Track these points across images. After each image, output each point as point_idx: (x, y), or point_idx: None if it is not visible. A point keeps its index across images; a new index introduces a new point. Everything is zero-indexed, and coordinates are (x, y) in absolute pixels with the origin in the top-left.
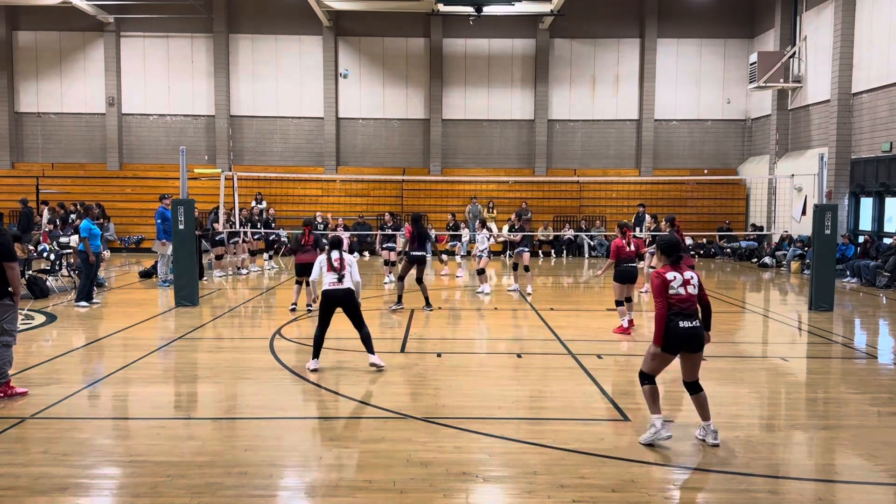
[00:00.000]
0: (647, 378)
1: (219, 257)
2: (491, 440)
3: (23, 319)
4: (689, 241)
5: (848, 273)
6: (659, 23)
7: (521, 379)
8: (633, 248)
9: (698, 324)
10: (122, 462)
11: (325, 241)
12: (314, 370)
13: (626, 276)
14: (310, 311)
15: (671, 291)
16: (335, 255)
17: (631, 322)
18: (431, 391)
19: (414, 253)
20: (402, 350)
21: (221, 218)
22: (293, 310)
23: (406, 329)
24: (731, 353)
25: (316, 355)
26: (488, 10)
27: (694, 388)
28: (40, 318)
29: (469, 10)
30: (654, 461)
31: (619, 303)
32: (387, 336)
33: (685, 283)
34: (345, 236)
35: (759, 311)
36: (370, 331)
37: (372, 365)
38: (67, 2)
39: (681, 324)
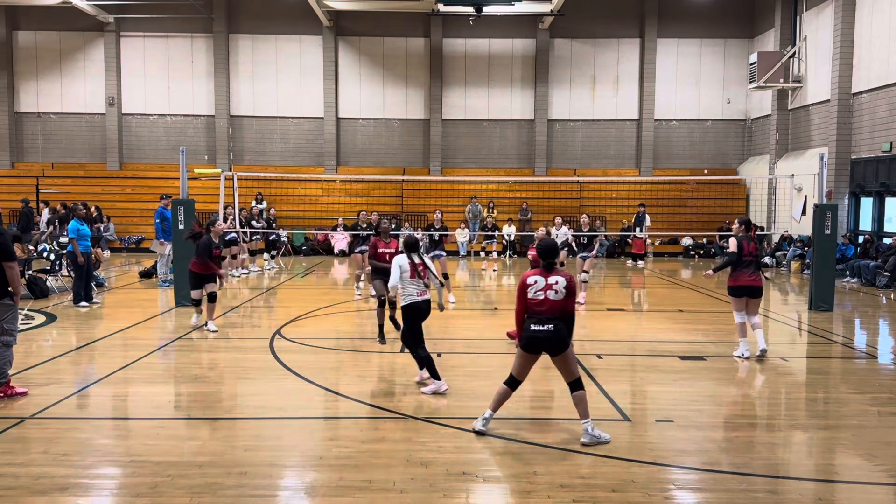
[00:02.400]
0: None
1: (234, 256)
2: (491, 440)
3: (23, 319)
4: (688, 242)
5: (848, 273)
6: (659, 23)
7: None
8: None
9: (552, 327)
10: (122, 462)
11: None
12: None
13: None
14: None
15: (530, 295)
16: (416, 259)
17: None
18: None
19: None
20: (403, 350)
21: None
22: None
23: None
24: (732, 352)
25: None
26: (488, 10)
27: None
28: (40, 318)
29: (469, 10)
30: (654, 461)
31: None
32: (387, 336)
33: (547, 287)
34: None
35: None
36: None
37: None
38: (67, 2)
39: (532, 327)
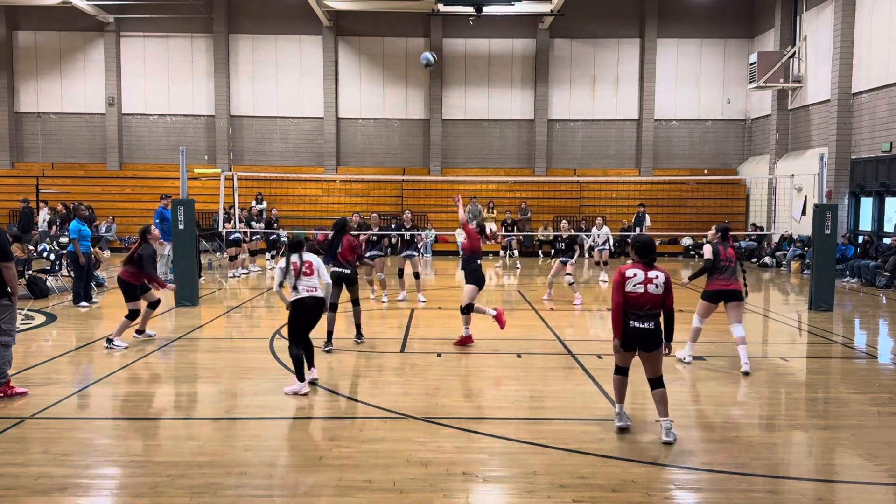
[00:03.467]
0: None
1: (232, 257)
2: (491, 440)
3: (23, 319)
4: (687, 242)
5: (848, 273)
6: (659, 23)
7: (521, 379)
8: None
9: (653, 326)
10: (122, 462)
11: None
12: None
13: (481, 278)
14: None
15: (628, 289)
16: (297, 258)
17: (468, 338)
18: (431, 391)
19: (335, 269)
20: (402, 350)
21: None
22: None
23: (406, 329)
24: (732, 353)
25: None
26: (488, 10)
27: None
28: (40, 318)
29: (469, 10)
30: (654, 461)
31: (468, 308)
32: (387, 336)
33: (647, 281)
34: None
35: (759, 311)
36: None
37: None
38: (67, 2)
39: (631, 323)
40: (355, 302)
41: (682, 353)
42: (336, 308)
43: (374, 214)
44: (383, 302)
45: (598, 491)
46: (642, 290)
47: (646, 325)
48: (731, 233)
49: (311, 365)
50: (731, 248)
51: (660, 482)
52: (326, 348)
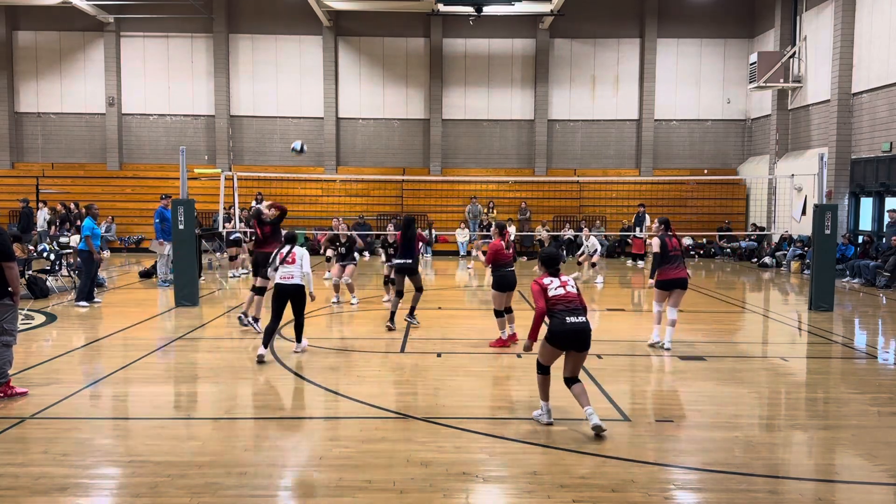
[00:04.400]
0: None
1: (232, 257)
2: (491, 440)
3: (23, 319)
4: (688, 242)
5: (848, 273)
6: (659, 23)
7: (521, 379)
8: (510, 251)
9: (585, 320)
10: (122, 462)
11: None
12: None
13: (505, 283)
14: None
15: (551, 293)
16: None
17: (512, 336)
18: (431, 391)
19: (398, 261)
20: (402, 350)
21: (221, 218)
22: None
23: (406, 329)
24: (731, 353)
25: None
26: (488, 10)
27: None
28: (40, 318)
29: (469, 10)
30: (654, 461)
31: (498, 313)
32: (387, 336)
33: (563, 284)
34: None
35: (759, 311)
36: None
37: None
38: (67, 2)
39: (568, 319)
40: (418, 289)
41: (655, 339)
42: (402, 294)
43: (336, 220)
44: (352, 304)
45: (598, 491)
46: (563, 292)
47: (580, 318)
48: (671, 224)
49: (298, 339)
50: (675, 239)
51: (660, 482)
52: (390, 326)
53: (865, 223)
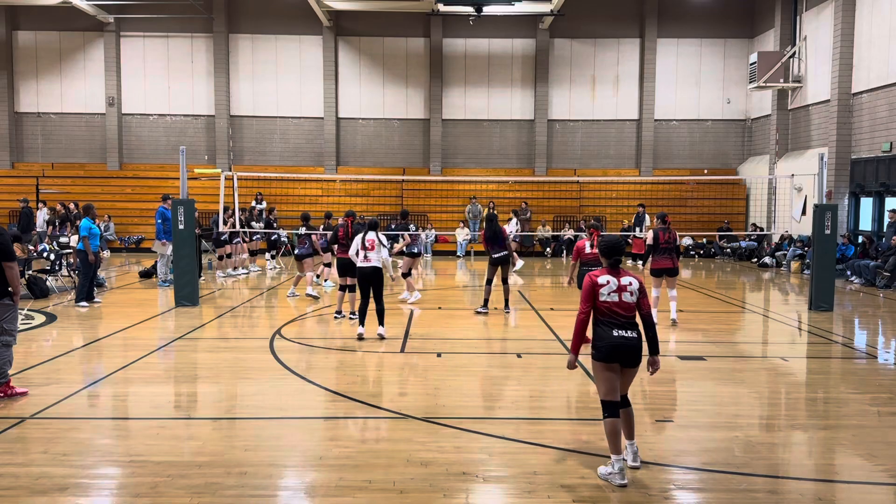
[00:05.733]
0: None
1: (221, 258)
2: (491, 440)
3: (23, 319)
4: (688, 242)
5: (848, 273)
6: (659, 23)
7: (521, 379)
8: (594, 249)
9: (636, 335)
10: (122, 462)
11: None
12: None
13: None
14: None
15: (602, 298)
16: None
17: None
18: (431, 391)
19: (494, 255)
20: (402, 350)
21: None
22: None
23: (406, 329)
24: (731, 353)
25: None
26: (488, 9)
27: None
28: (40, 318)
29: (469, 9)
30: (653, 461)
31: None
32: (387, 336)
33: (621, 289)
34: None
35: (759, 311)
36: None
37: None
38: (67, 2)
39: (615, 332)
40: (504, 280)
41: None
42: (491, 282)
43: (304, 213)
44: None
45: (598, 491)
46: (617, 300)
47: (630, 333)
48: (667, 219)
49: (380, 323)
50: (669, 233)
51: (660, 482)
52: (483, 310)
53: (865, 223)
